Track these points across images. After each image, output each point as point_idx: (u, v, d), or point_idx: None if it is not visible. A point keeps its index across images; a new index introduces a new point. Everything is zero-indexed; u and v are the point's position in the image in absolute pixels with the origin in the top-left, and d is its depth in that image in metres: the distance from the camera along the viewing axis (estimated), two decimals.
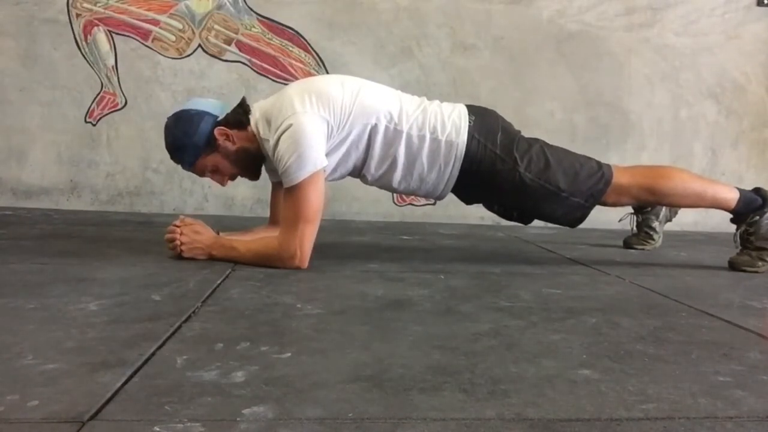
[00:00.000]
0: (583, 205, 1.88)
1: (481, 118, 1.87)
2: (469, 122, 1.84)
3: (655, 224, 2.42)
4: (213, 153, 1.80)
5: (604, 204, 1.92)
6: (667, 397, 0.88)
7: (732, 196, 1.92)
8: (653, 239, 2.43)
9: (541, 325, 1.25)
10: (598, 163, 1.91)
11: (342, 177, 1.92)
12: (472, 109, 1.89)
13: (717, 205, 1.94)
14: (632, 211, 2.45)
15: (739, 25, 3.31)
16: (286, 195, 1.73)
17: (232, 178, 1.90)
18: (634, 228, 2.45)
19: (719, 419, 0.82)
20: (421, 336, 1.15)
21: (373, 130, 1.79)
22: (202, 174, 1.87)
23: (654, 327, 1.26)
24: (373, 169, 1.85)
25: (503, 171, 1.83)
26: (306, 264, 1.74)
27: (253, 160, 1.85)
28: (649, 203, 2.23)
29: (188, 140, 1.77)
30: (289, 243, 1.71)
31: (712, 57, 3.32)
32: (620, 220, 2.46)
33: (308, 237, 1.72)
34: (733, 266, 1.97)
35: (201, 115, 1.78)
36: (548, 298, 1.52)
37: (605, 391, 0.90)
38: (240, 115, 1.82)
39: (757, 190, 1.96)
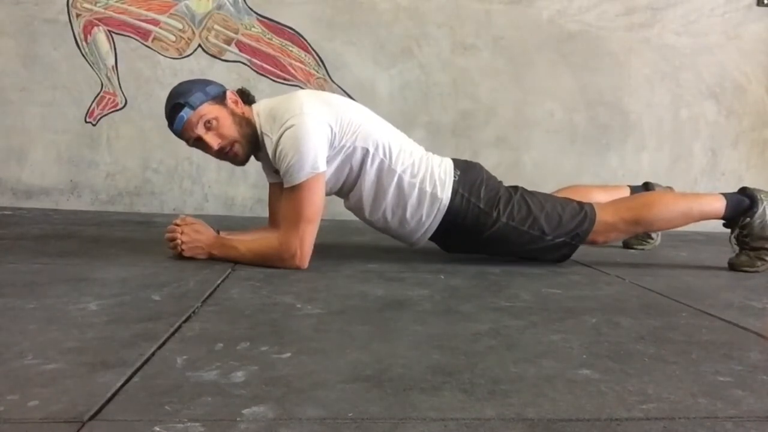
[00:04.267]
0: (570, 243, 1.90)
1: (465, 173, 1.90)
2: (455, 177, 1.87)
3: None
4: (220, 105, 1.76)
5: (594, 244, 1.94)
6: (667, 397, 0.88)
7: (719, 206, 1.92)
8: (652, 239, 2.43)
9: (541, 325, 1.25)
10: (579, 203, 1.92)
11: (330, 192, 1.91)
12: (458, 164, 1.92)
13: (706, 217, 1.95)
14: None
15: (739, 25, 3.31)
16: (287, 194, 1.73)
17: (225, 146, 1.76)
18: None
19: (719, 419, 0.82)
20: (421, 336, 1.15)
21: (368, 156, 1.79)
22: (194, 129, 1.72)
23: (654, 327, 1.26)
24: (359, 194, 1.85)
25: (487, 224, 1.86)
26: (306, 264, 1.74)
27: (253, 135, 1.79)
28: (637, 233, 2.22)
29: (199, 86, 1.77)
30: (290, 243, 1.71)
31: (712, 57, 3.31)
32: None
33: (309, 237, 1.73)
34: (732, 267, 1.97)
35: (212, 81, 1.85)
36: (548, 298, 1.52)
37: (605, 391, 0.90)
38: (247, 94, 1.86)
39: (743, 191, 1.96)
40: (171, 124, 1.76)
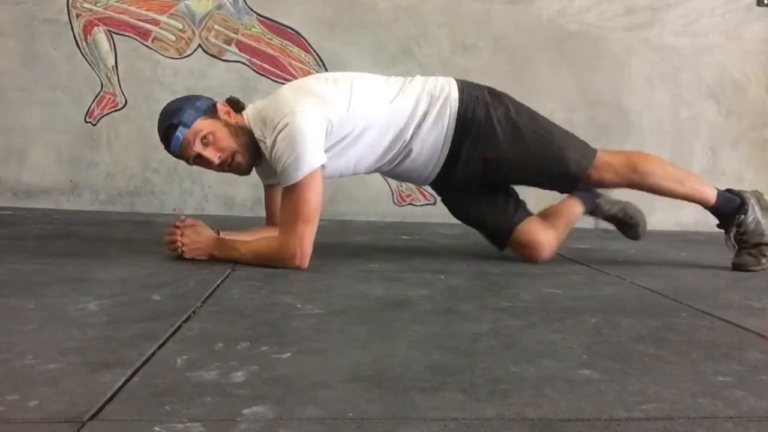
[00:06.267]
0: (577, 160, 1.88)
1: (464, 81, 1.96)
2: (456, 81, 1.92)
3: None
4: (213, 119, 1.74)
5: (589, 181, 1.92)
6: (667, 397, 0.88)
7: (711, 192, 1.94)
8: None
9: (541, 325, 1.25)
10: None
11: (369, 170, 1.92)
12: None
13: (697, 195, 1.94)
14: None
15: (739, 25, 3.31)
16: (285, 194, 1.72)
17: (225, 158, 1.75)
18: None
19: (719, 419, 0.82)
20: (421, 336, 1.15)
21: (381, 138, 1.83)
22: (192, 147, 1.71)
23: (654, 327, 1.26)
24: (413, 161, 1.90)
25: (496, 115, 1.88)
26: (306, 263, 1.74)
27: (251, 142, 1.77)
28: (631, 183, 2.03)
29: (189, 103, 1.76)
30: (289, 243, 1.71)
31: (712, 57, 3.31)
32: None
33: (308, 236, 1.72)
34: (738, 268, 1.95)
35: (200, 96, 1.84)
36: (548, 298, 1.52)
37: (605, 391, 0.90)
38: (236, 102, 1.83)
39: (729, 191, 1.97)
40: (168, 146, 1.75)
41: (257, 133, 1.76)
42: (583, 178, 1.89)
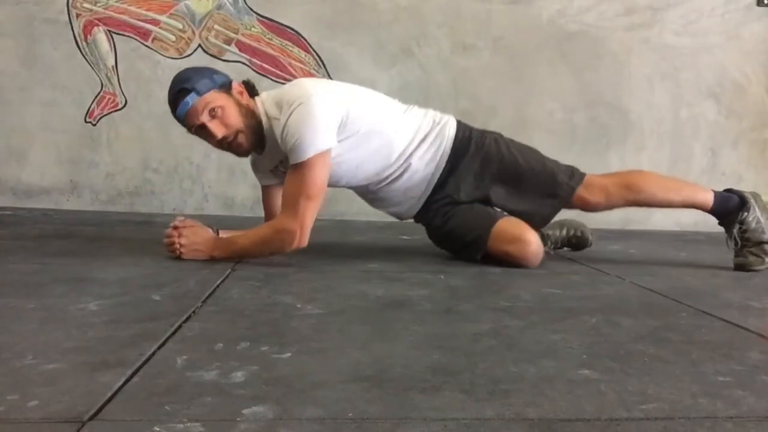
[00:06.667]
0: (567, 181, 1.93)
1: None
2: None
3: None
4: (226, 94, 1.74)
5: (587, 204, 1.95)
6: (667, 397, 0.88)
7: (708, 195, 1.96)
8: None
9: (541, 325, 1.25)
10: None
11: (364, 180, 1.93)
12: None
13: (695, 201, 1.96)
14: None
15: (739, 25, 3.31)
16: (291, 172, 1.72)
17: (228, 135, 1.73)
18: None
19: (719, 419, 0.82)
20: (421, 336, 1.15)
21: (388, 158, 1.88)
22: (198, 116, 1.70)
23: (654, 327, 1.26)
24: (405, 183, 1.94)
25: (491, 136, 1.99)
26: (306, 242, 1.73)
27: (257, 126, 1.78)
28: (627, 201, 2.03)
29: (207, 73, 1.76)
30: (291, 220, 1.71)
31: (712, 57, 3.31)
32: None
33: (310, 214, 1.72)
34: (742, 268, 1.94)
35: (218, 70, 1.85)
36: (548, 298, 1.52)
37: (605, 391, 0.90)
38: (252, 86, 1.85)
39: (729, 191, 1.99)
40: (174, 109, 1.73)
41: (271, 113, 1.77)
42: (571, 193, 1.93)
